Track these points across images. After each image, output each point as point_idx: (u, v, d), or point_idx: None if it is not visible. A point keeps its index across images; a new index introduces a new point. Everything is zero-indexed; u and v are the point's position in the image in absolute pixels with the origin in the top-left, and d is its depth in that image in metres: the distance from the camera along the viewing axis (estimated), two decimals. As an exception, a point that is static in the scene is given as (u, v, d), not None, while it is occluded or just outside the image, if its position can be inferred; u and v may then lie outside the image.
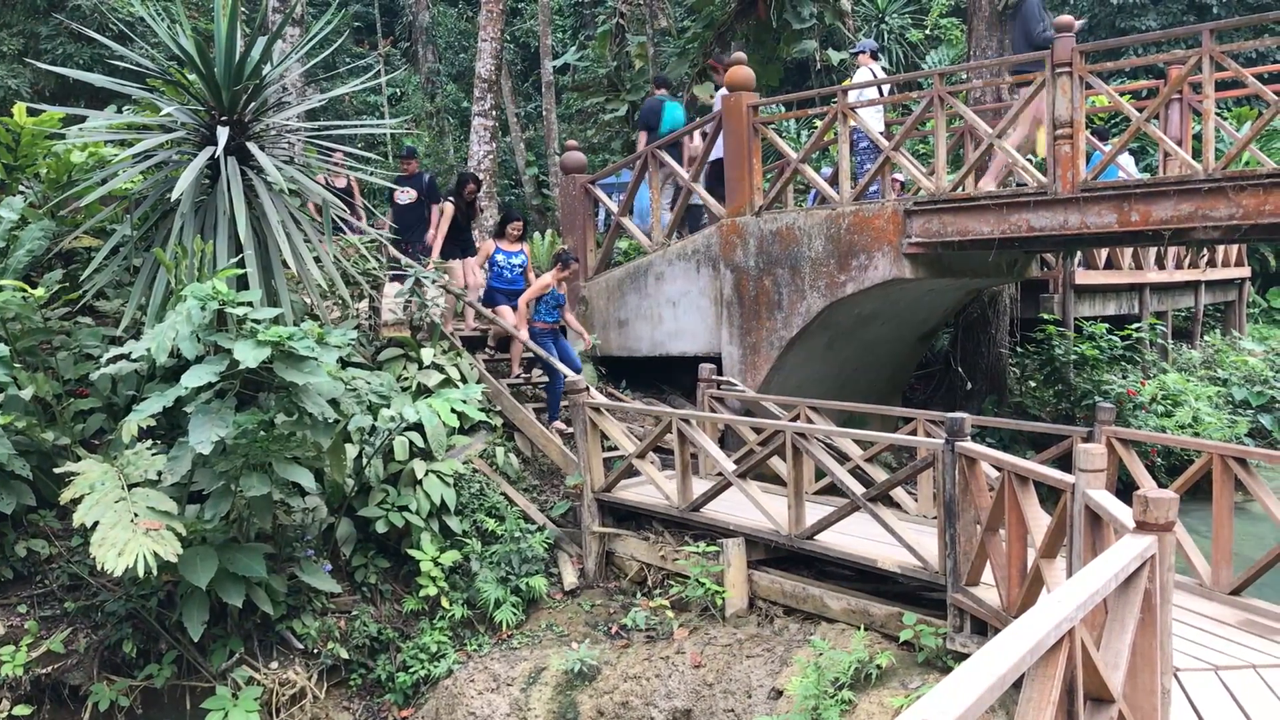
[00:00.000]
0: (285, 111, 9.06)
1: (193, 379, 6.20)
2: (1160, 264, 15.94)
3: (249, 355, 6.18)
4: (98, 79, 8.25)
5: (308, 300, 8.49)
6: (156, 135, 7.82)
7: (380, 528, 8.07)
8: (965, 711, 2.15)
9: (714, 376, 9.90)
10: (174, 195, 7.15)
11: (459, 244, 11.46)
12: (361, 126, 13.19)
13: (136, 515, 6.32)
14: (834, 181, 10.12)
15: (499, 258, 10.73)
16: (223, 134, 7.46)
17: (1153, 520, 3.38)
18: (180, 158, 7.93)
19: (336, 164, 10.75)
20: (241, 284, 7.27)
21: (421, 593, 8.04)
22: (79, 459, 7.07)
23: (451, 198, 11.35)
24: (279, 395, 6.83)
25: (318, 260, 8.04)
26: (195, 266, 7.17)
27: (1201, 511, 7.24)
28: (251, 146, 7.73)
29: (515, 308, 10.32)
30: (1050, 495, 4.96)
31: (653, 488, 8.50)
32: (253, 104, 8.02)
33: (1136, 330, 14.47)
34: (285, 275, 7.84)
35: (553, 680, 7.25)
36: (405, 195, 11.78)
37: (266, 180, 7.73)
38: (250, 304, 6.67)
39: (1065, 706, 2.82)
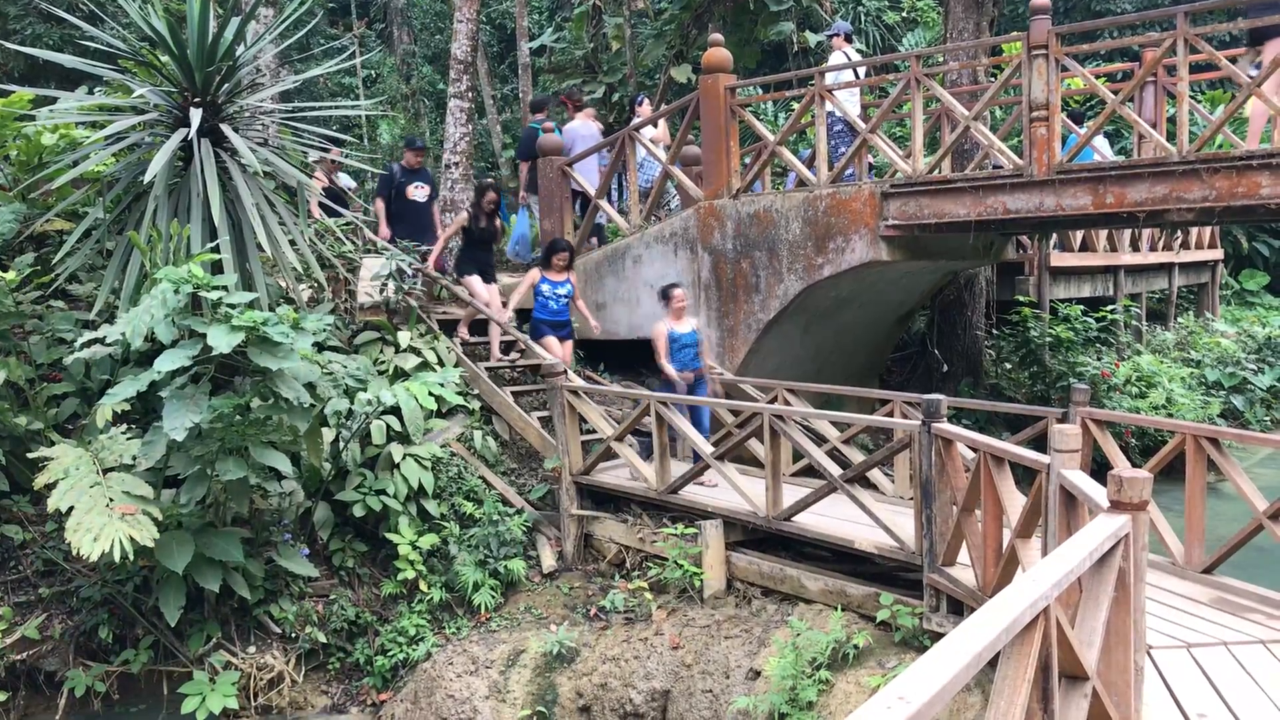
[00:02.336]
0: (259, 93, 8.98)
1: (166, 363, 6.16)
2: (1135, 246, 16.08)
3: (222, 341, 6.14)
4: (68, 59, 8.15)
5: (283, 283, 8.43)
6: (128, 117, 7.73)
7: (358, 512, 8.05)
8: (941, 690, 2.16)
9: (692, 359, 9.89)
10: (147, 178, 7.08)
11: (476, 263, 10.52)
12: (336, 108, 13.07)
13: (112, 500, 6.29)
14: (811, 164, 10.11)
15: (544, 287, 9.82)
16: (196, 116, 7.38)
17: (1127, 500, 3.41)
18: (153, 140, 7.84)
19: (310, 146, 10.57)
20: (216, 268, 7.20)
21: (399, 576, 8.03)
22: (53, 444, 7.02)
23: (470, 208, 10.59)
24: (254, 379, 6.79)
25: (293, 243, 7.98)
26: (169, 250, 7.11)
27: (1174, 491, 7.33)
28: (225, 128, 7.65)
29: (563, 339, 9.92)
30: (1026, 476, 5.00)
31: (631, 470, 8.51)
32: (226, 85, 7.93)
33: (1111, 312, 14.58)
34: (260, 258, 7.78)
35: (532, 662, 7.26)
36: (420, 191, 11.08)
37: (241, 162, 7.66)
38: (225, 288, 6.61)
39: (1040, 684, 2.85)
